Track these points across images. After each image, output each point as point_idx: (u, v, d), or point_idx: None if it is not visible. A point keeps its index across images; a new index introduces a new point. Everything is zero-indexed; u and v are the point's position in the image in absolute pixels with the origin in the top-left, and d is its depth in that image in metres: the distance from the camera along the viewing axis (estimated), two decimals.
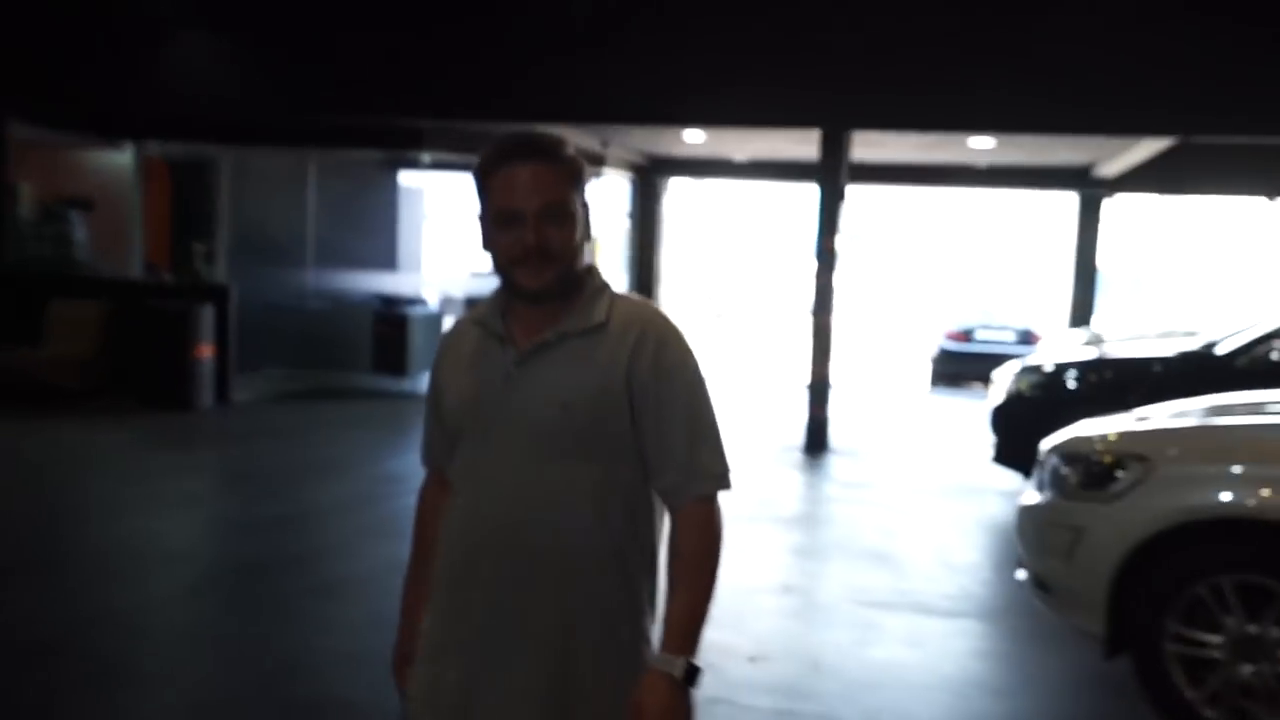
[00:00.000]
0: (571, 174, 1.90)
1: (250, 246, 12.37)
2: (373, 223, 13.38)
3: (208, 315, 10.23)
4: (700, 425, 1.96)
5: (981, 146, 11.58)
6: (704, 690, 4.38)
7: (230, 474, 8.26)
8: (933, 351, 15.53)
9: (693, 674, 1.88)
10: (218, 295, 10.66)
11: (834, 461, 9.21)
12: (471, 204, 1.96)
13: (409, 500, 2.33)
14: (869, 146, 10.82)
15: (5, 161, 11.19)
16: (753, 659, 4.64)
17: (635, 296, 2.05)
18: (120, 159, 12.50)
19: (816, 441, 9.64)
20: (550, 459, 1.91)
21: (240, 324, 10.81)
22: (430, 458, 2.16)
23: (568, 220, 1.89)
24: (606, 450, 1.92)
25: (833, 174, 9.65)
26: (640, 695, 1.86)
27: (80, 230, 12.49)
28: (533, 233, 1.85)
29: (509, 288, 1.94)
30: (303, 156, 12.49)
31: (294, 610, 5.09)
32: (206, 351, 10.21)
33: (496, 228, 1.89)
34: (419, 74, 9.97)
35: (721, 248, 30.92)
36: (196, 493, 7.49)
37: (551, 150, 1.89)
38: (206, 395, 10.25)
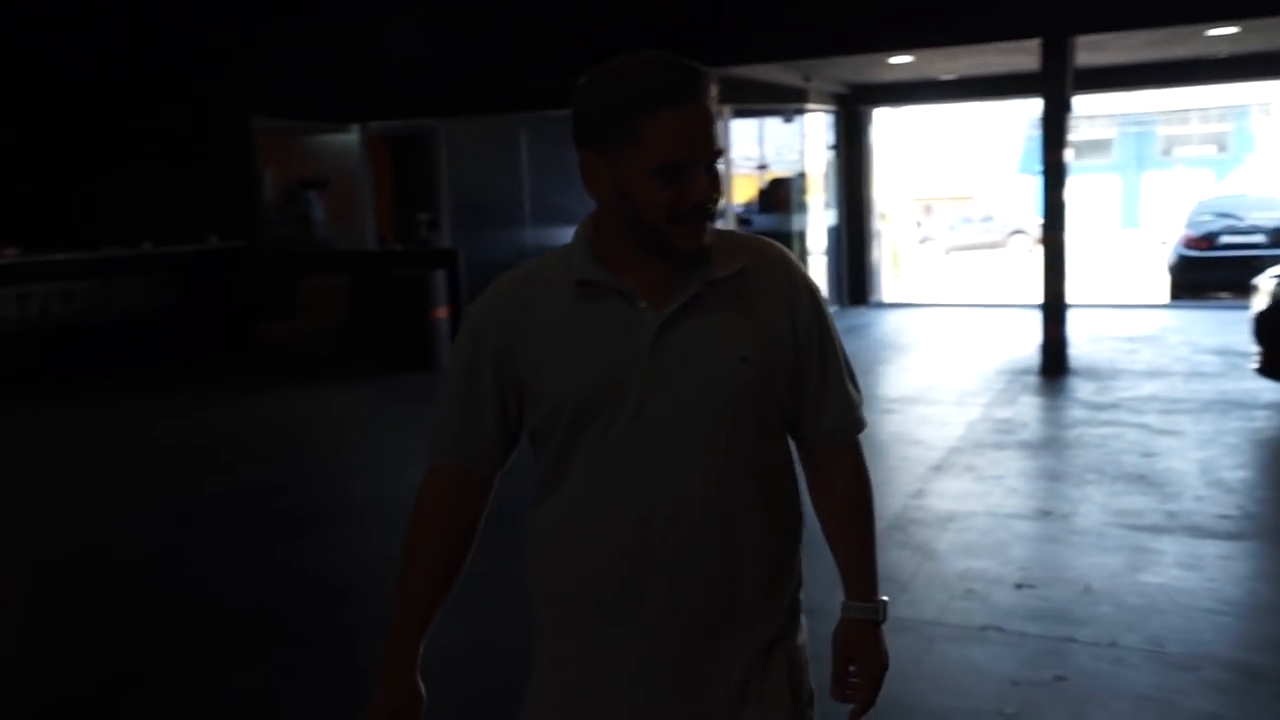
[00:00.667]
0: (718, 113, 1.59)
1: (470, 212, 12.86)
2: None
3: (440, 279, 10.73)
4: (848, 362, 1.78)
5: (1222, 33, 10.69)
6: (972, 618, 4.43)
7: None
8: (1171, 261, 14.61)
9: (885, 615, 1.81)
10: (447, 260, 11.17)
11: (1075, 383, 8.82)
12: (591, 142, 1.60)
13: None
14: (1091, 50, 10.20)
15: (252, 152, 12.02)
16: (1019, 585, 4.54)
17: (739, 231, 1.84)
18: (348, 140, 13.21)
19: (1054, 363, 9.26)
20: (729, 425, 1.63)
21: (469, 285, 11.30)
22: (457, 451, 1.73)
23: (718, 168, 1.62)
24: (776, 405, 1.70)
25: (1056, 84, 9.16)
26: (854, 648, 1.78)
27: (318, 209, 13.32)
28: (706, 186, 1.57)
29: (654, 248, 1.60)
30: (512, 121, 12.84)
31: None
32: (442, 313, 10.73)
33: (653, 179, 1.54)
34: (616, 30, 10.05)
35: (930, 173, 30.00)
36: None
37: (708, 87, 1.56)
38: (446, 354, 10.80)
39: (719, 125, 1.58)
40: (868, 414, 1.82)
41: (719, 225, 1.68)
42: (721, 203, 1.64)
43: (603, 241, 1.64)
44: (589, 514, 1.63)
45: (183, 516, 6.01)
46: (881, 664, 1.78)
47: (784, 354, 1.67)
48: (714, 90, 1.56)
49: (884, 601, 1.80)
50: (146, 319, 11.04)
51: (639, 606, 1.62)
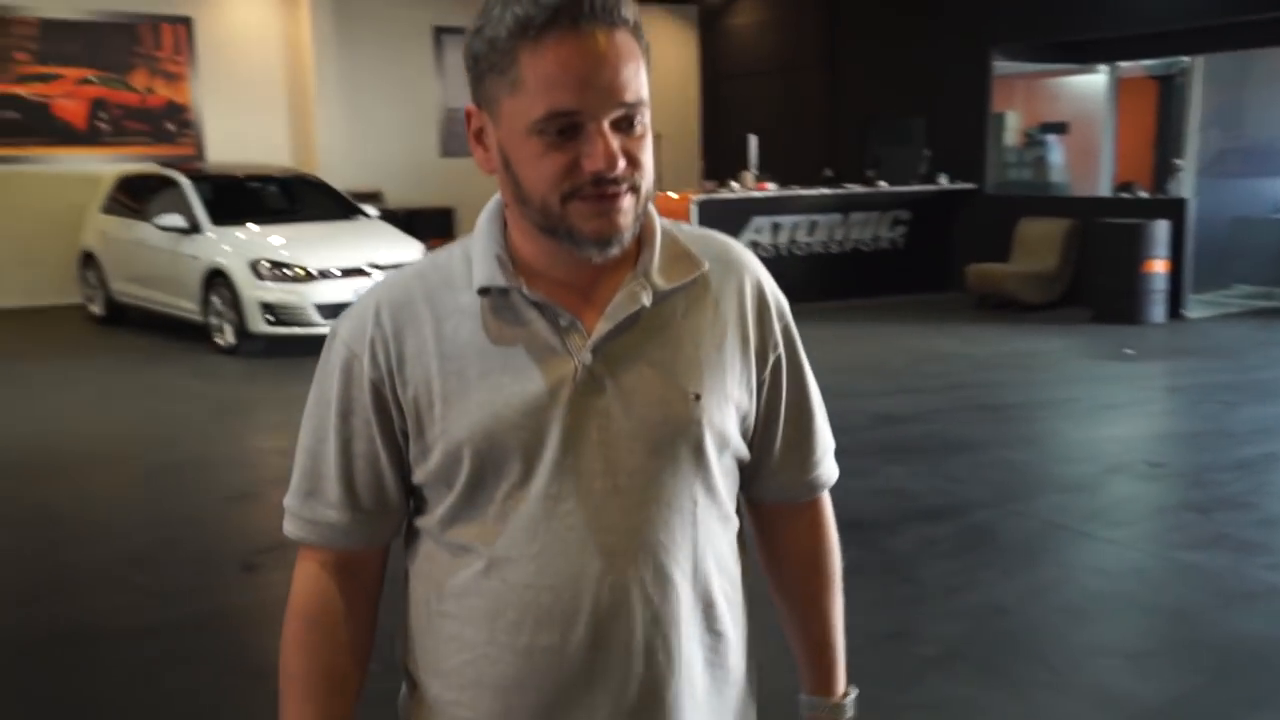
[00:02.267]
0: (642, 49, 1.15)
1: (1221, 158, 11.84)
2: None
3: (1161, 230, 10.17)
4: (819, 397, 1.41)
5: None
6: None
7: (1162, 389, 8.35)
8: None
9: (852, 712, 1.47)
10: (1174, 210, 10.52)
11: None
12: (470, 98, 1.22)
13: None
14: None
15: (988, 93, 12.41)
16: None
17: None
18: (1094, 81, 12.90)
19: None
20: (677, 482, 1.24)
21: (1202, 239, 10.54)
22: (334, 529, 1.27)
23: (644, 126, 1.17)
24: (732, 455, 1.31)
25: None
26: None
27: (1056, 153, 13.29)
28: (609, 151, 1.12)
29: (556, 235, 1.17)
30: None
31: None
32: (1158, 266, 10.18)
33: (535, 139, 1.13)
34: None
35: None
36: (1125, 401, 7.72)
37: (616, 8, 1.11)
38: (1158, 310, 10.27)
39: (639, 66, 1.14)
40: None
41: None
42: (649, 176, 1.19)
43: (514, 232, 1.24)
44: (494, 604, 1.21)
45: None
46: None
47: (748, 389, 1.30)
48: (630, 16, 1.13)
49: (847, 698, 1.46)
50: (876, 252, 12.20)
51: (574, 690, 1.22)
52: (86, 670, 3.80)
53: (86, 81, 12.44)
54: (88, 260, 11.18)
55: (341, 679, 1.29)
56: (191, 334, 9.83)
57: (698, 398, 1.23)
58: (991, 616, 4.14)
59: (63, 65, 12.28)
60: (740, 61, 16.02)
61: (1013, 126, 13.42)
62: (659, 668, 1.23)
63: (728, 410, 1.27)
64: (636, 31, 1.14)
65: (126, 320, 10.92)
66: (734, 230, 11.40)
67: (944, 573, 4.56)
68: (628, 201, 1.16)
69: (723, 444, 1.27)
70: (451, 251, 1.28)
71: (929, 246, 12.34)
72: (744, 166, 12.36)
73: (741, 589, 1.37)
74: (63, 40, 12.23)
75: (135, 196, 10.65)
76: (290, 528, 1.30)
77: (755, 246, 11.59)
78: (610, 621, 1.20)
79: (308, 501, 1.28)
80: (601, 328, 1.20)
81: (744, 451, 1.33)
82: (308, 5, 13.10)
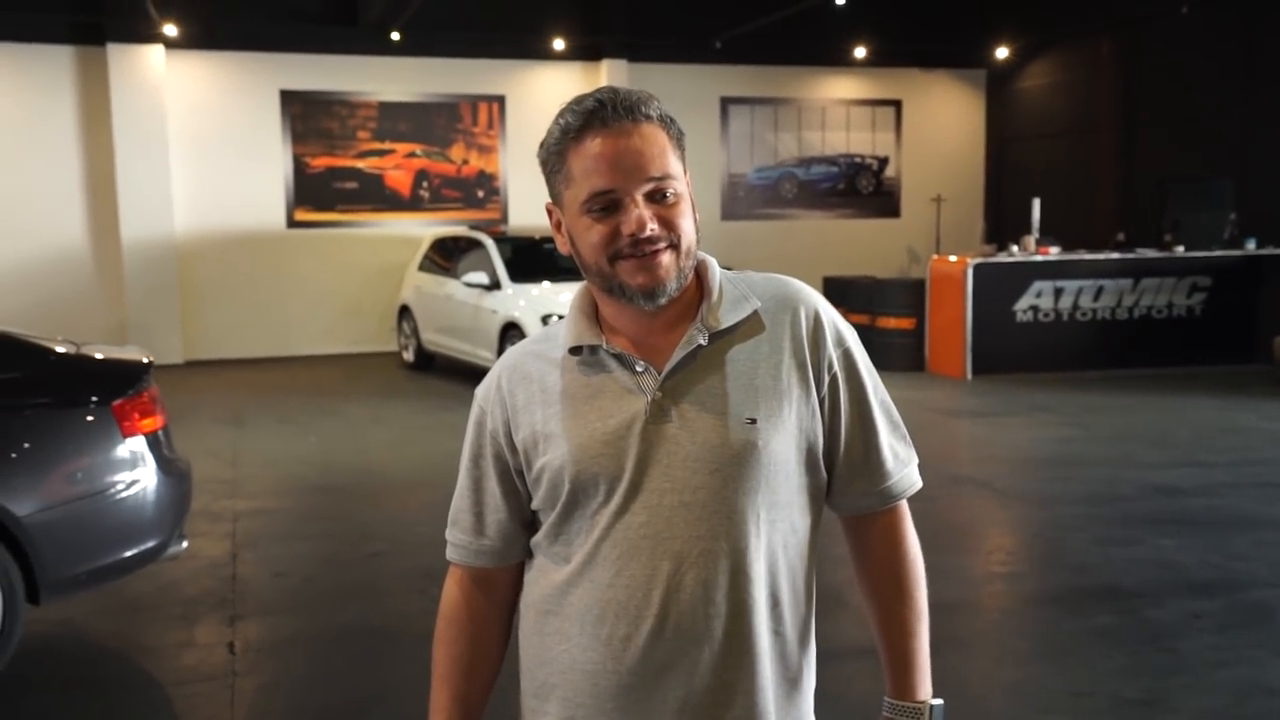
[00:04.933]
0: (671, 136, 1.44)
1: None
2: None
3: None
4: (891, 413, 1.57)
5: None
6: None
7: None
8: None
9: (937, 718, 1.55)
10: None
11: None
12: (550, 192, 1.50)
13: None
14: None
15: None
16: None
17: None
18: None
19: None
20: (739, 498, 1.43)
21: None
22: (468, 550, 1.58)
23: (676, 195, 1.43)
24: (800, 472, 1.49)
25: None
26: None
27: None
28: (640, 218, 1.39)
29: (617, 294, 1.44)
30: None
31: None
32: None
33: (586, 217, 1.42)
34: None
35: None
36: None
37: (640, 110, 1.41)
38: None
39: (663, 148, 1.41)
40: None
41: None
42: (687, 235, 1.44)
43: (595, 300, 1.52)
44: (583, 601, 1.45)
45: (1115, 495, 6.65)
46: None
47: (808, 410, 1.48)
48: (651, 112, 1.42)
49: (934, 704, 1.54)
50: (1170, 319, 11.56)
51: (644, 712, 1.43)
52: (385, 663, 4.35)
53: (413, 155, 13.93)
54: (404, 312, 12.44)
55: (470, 668, 1.58)
56: None
57: (753, 421, 1.43)
58: (1257, 694, 3.97)
59: (395, 141, 13.82)
60: (1029, 124, 15.72)
61: None
62: (724, 659, 1.42)
63: (786, 431, 1.45)
64: (664, 123, 1.43)
65: (433, 367, 12.04)
66: (1013, 294, 11.22)
67: (1207, 646, 4.40)
68: (666, 258, 1.41)
69: (782, 461, 1.45)
70: (558, 323, 1.57)
71: (1231, 315, 11.57)
72: (1026, 230, 12.11)
73: (806, 595, 1.53)
74: (397, 119, 13.78)
75: (446, 256, 11.79)
76: (447, 550, 1.61)
77: (1035, 311, 11.33)
78: (677, 617, 1.41)
79: (451, 529, 1.61)
80: (666, 367, 1.44)
81: (816, 467, 1.51)
82: (605, 80, 14.06)
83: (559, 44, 13.85)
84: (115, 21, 12.33)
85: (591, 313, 1.52)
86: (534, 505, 1.53)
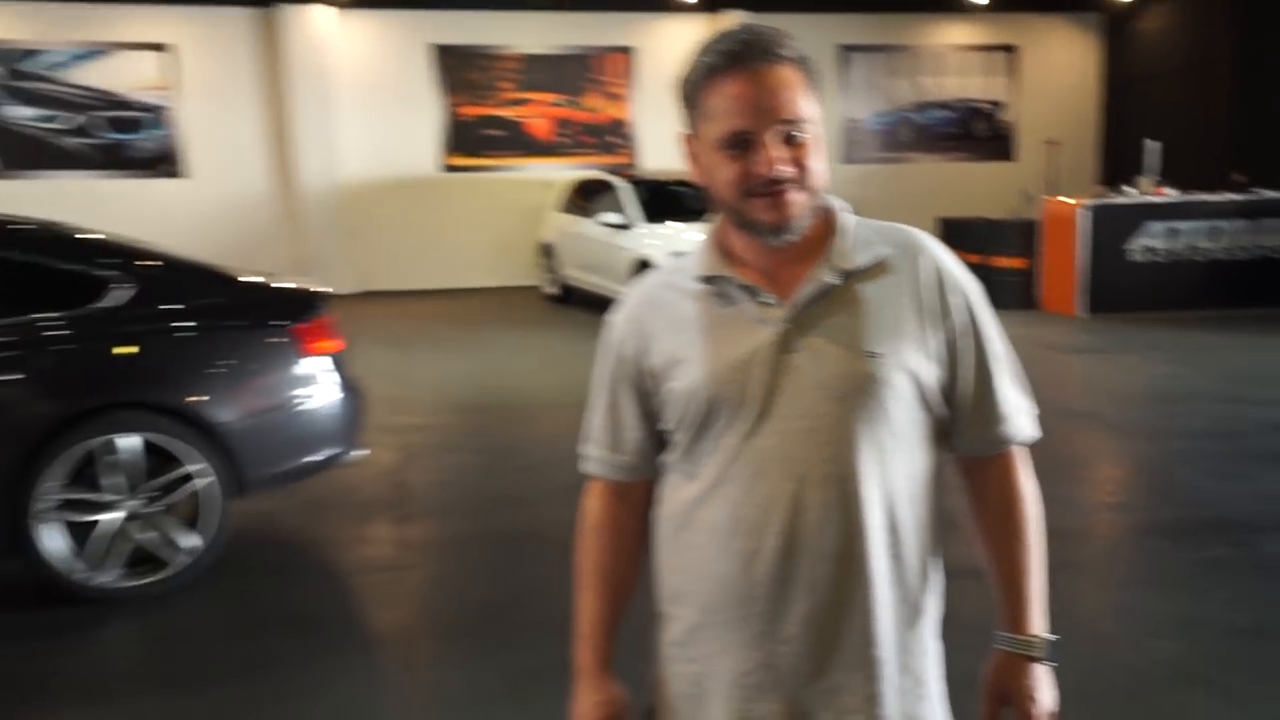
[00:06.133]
0: (805, 77, 1.39)
1: None
2: None
3: None
4: (1012, 362, 1.53)
5: None
6: None
7: None
8: None
9: (1048, 653, 1.51)
10: None
11: None
12: (686, 123, 1.45)
13: None
14: None
15: None
16: None
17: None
18: None
19: None
20: (861, 427, 1.40)
21: None
22: (605, 464, 1.59)
23: (808, 138, 1.38)
24: (919, 409, 1.45)
25: None
26: (1005, 686, 1.51)
27: None
28: (772, 157, 1.35)
29: (745, 228, 1.42)
30: None
31: None
32: None
33: (720, 154, 1.38)
34: None
35: None
36: None
37: (776, 51, 1.36)
38: None
39: (797, 91, 1.37)
40: None
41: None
42: (817, 176, 1.40)
43: (727, 233, 1.48)
44: (714, 516, 1.45)
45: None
46: (1043, 709, 1.51)
47: (927, 353, 1.44)
48: (788, 54, 1.37)
49: (1048, 638, 1.52)
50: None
51: (770, 618, 1.43)
52: (533, 563, 4.48)
53: (553, 104, 13.95)
54: (546, 250, 12.57)
55: (612, 572, 1.59)
56: None
57: (875, 355, 1.40)
58: None
59: (536, 91, 13.87)
60: (1145, 65, 14.85)
61: None
62: (843, 576, 1.41)
63: (907, 367, 1.42)
64: (800, 64, 1.38)
65: (572, 300, 12.16)
66: (1126, 235, 10.70)
67: None
68: (796, 196, 1.38)
69: (902, 395, 1.42)
70: (689, 254, 1.53)
71: None
72: (1141, 172, 11.49)
73: (928, 526, 1.49)
74: (537, 71, 13.81)
75: (584, 198, 11.82)
76: (585, 464, 1.61)
77: (1150, 251, 10.79)
78: (800, 534, 1.40)
79: (588, 445, 1.60)
80: (795, 300, 1.41)
81: (935, 406, 1.47)
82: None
83: None
84: None
85: (723, 245, 1.48)
86: (665, 426, 1.51)
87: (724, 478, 1.43)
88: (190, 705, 3.37)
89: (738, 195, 1.38)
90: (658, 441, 1.54)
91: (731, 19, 13.80)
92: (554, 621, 3.84)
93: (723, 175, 1.38)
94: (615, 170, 12.14)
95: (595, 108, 14.10)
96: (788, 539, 1.40)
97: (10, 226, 4.27)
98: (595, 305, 11.46)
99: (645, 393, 1.52)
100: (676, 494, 1.51)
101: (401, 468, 5.85)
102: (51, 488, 3.89)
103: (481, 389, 7.91)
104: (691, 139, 1.44)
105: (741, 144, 1.36)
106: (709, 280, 1.46)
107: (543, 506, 5.20)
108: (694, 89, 1.39)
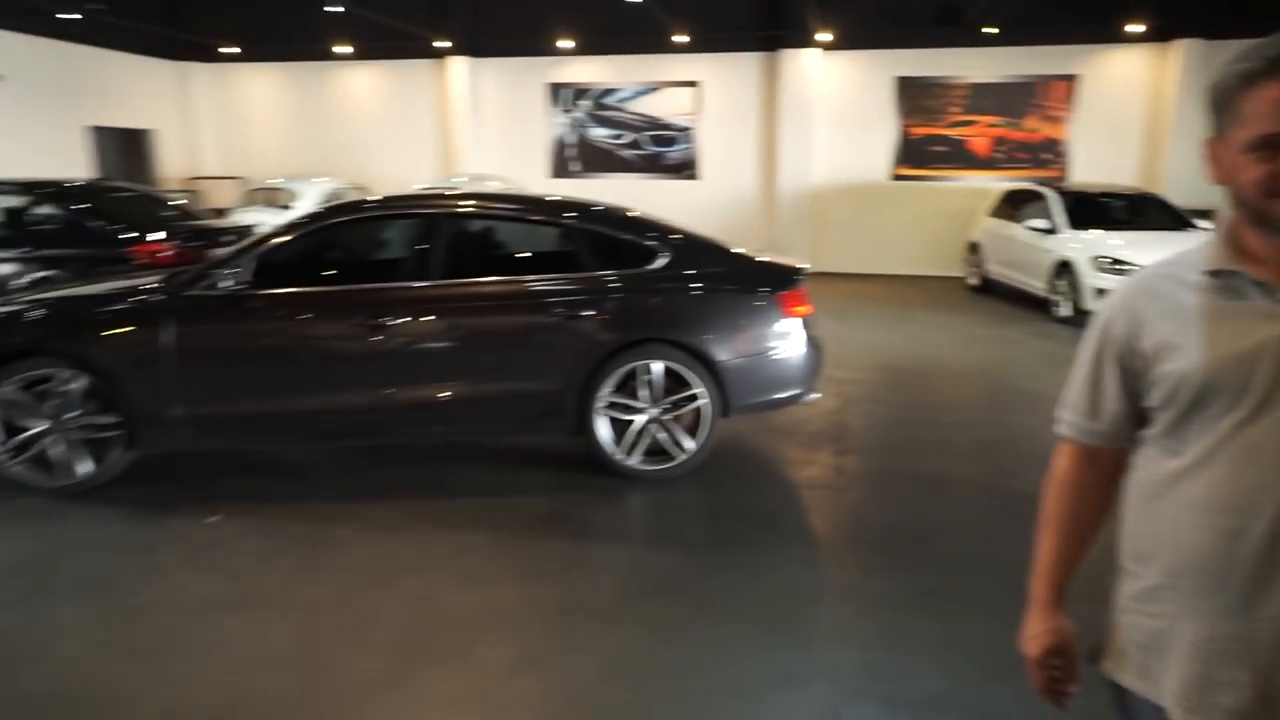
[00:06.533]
0: None
1: None
2: None
3: None
4: None
5: None
6: None
7: None
8: None
9: None
10: None
11: None
12: (1213, 125, 1.20)
13: None
14: None
15: None
16: None
17: None
18: None
19: None
20: None
21: None
22: (1080, 429, 1.38)
23: None
24: None
25: None
26: None
27: None
28: None
29: (1264, 225, 1.17)
30: None
31: None
32: None
33: (1247, 156, 1.15)
34: None
35: None
36: None
37: None
38: None
39: None
40: None
41: None
42: None
43: (1240, 230, 1.24)
44: (1195, 492, 1.23)
45: None
46: None
47: None
48: None
49: None
50: None
51: (1248, 595, 1.20)
52: (946, 504, 4.22)
53: (992, 125, 12.82)
54: (973, 248, 11.68)
55: (1074, 522, 1.42)
56: (1036, 306, 9.75)
57: None
58: None
59: (979, 114, 12.81)
60: None
61: None
62: None
63: None
64: None
65: (991, 292, 11.21)
66: None
67: None
68: None
69: None
70: (1190, 249, 1.30)
71: None
72: None
73: None
74: (982, 97, 12.74)
75: (1013, 205, 10.76)
76: (1059, 426, 1.44)
77: None
78: None
79: (1066, 410, 1.43)
80: None
81: None
82: (1177, 60, 11.70)
83: (1133, 28, 11.68)
84: (789, 33, 12.81)
85: (1236, 243, 1.24)
86: (1149, 403, 1.31)
87: (1210, 458, 1.22)
88: (677, 558, 3.64)
89: (1261, 196, 1.17)
90: (1136, 416, 1.35)
91: (1183, 49, 11.67)
92: (962, 554, 3.63)
93: (1248, 176, 1.17)
94: (1044, 182, 10.89)
95: (1034, 128, 12.71)
96: (1275, 524, 1.17)
97: (594, 209, 4.66)
98: (1012, 298, 10.50)
99: (1132, 371, 1.32)
100: (1155, 466, 1.31)
101: (841, 411, 5.81)
102: (605, 393, 4.34)
103: (906, 355, 7.59)
104: (1215, 142, 1.23)
105: (1271, 146, 1.14)
106: (1217, 274, 1.24)
107: (956, 458, 4.89)
108: (1227, 94, 1.18)
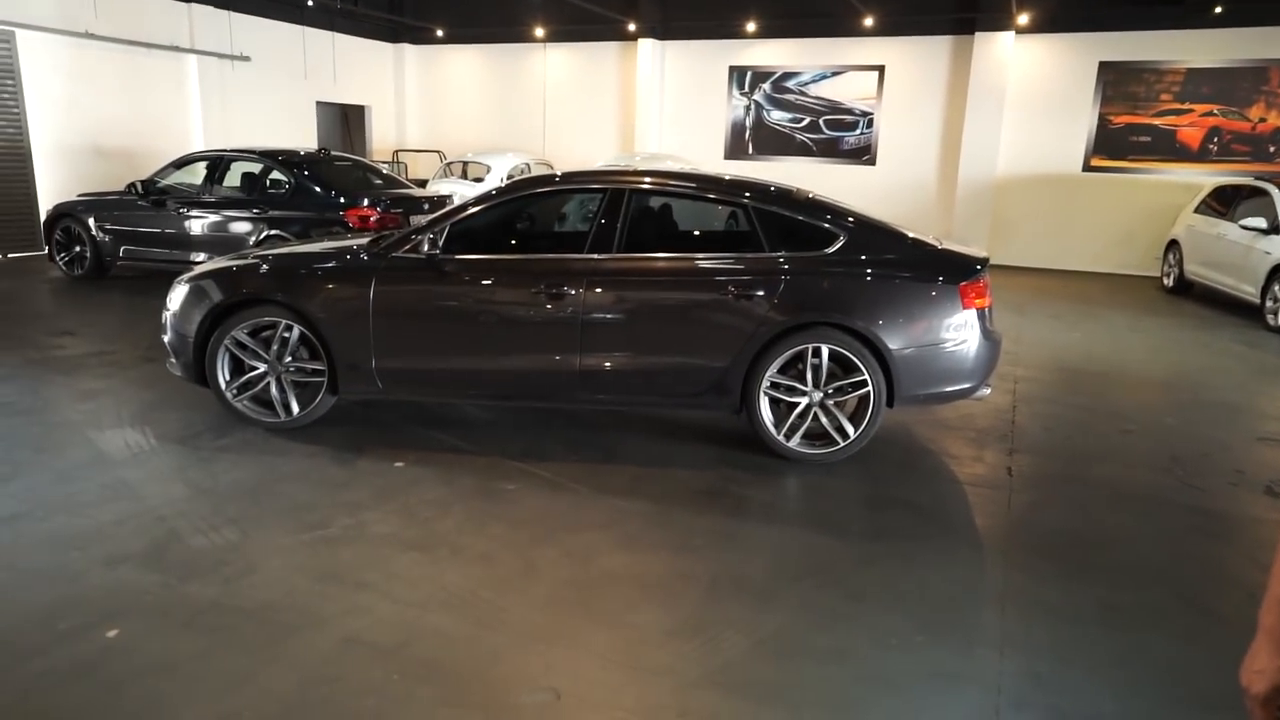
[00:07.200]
0: None
1: None
2: None
3: None
4: None
5: None
6: None
7: None
8: None
9: None
10: None
11: None
12: None
13: None
14: None
15: None
16: None
17: None
18: None
19: None
20: None
21: None
22: None
23: None
24: None
25: None
26: None
27: None
28: None
29: None
30: None
31: None
32: None
33: None
34: None
35: None
36: None
37: None
38: None
39: None
40: None
41: None
42: None
43: None
44: None
45: None
46: None
47: None
48: None
49: None
50: None
51: None
52: (1121, 514, 3.83)
53: (1209, 114, 11.40)
54: (1171, 245, 10.49)
55: None
56: (1246, 313, 8.63)
57: None
58: None
59: (1195, 102, 11.43)
60: None
61: None
62: None
63: None
64: None
65: (1189, 293, 10.05)
66: None
67: None
68: None
69: None
70: None
71: None
72: None
73: None
74: (1199, 84, 11.35)
75: (1223, 201, 9.56)
76: None
77: None
78: None
79: None
80: None
81: None
82: None
83: None
84: (985, 15, 11.94)
85: None
86: None
87: None
88: (832, 543, 3.52)
89: None
90: None
91: None
92: (1142, 569, 3.29)
93: None
94: (1269, 178, 9.57)
95: (1259, 118, 11.18)
96: None
97: (771, 190, 4.51)
98: (1215, 302, 9.37)
99: None
100: None
101: (1013, 409, 5.40)
102: (771, 373, 4.26)
103: (1088, 356, 6.94)
104: None
105: None
106: None
107: (1138, 468, 4.43)
108: None
